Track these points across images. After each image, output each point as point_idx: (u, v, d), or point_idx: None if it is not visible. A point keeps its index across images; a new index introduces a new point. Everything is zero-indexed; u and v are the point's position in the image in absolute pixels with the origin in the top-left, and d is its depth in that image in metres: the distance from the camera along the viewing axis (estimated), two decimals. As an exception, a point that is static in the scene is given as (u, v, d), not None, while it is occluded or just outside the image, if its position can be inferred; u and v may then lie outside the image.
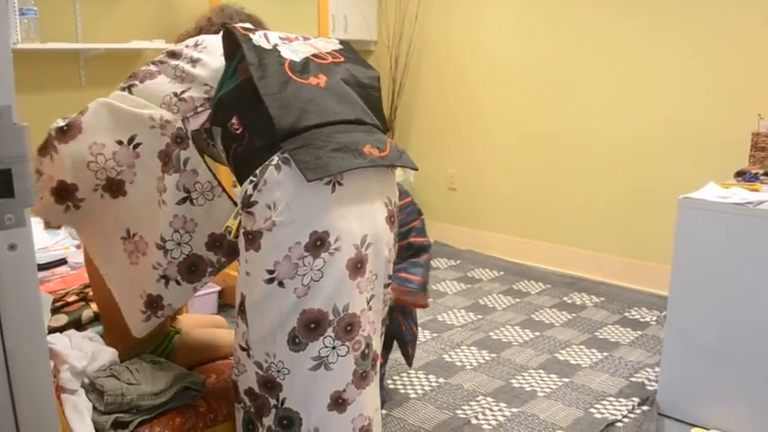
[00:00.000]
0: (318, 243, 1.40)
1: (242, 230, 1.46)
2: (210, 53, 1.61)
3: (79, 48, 3.34)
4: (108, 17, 3.52)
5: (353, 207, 1.45)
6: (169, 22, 3.76)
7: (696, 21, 3.40)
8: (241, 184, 1.48)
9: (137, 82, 1.60)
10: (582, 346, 3.02)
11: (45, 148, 1.59)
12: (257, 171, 1.42)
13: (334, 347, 1.45)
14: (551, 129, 4.04)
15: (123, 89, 1.60)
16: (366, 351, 1.51)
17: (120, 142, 1.55)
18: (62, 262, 2.46)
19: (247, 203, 1.42)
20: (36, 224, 2.67)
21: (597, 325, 3.26)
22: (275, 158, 1.41)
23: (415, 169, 1.59)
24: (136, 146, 1.56)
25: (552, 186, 4.09)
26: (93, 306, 1.98)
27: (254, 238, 1.42)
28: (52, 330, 1.84)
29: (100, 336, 1.85)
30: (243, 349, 1.50)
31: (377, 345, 1.57)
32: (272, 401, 1.48)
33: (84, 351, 1.66)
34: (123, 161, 1.56)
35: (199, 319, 2.19)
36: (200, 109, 1.56)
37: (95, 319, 1.97)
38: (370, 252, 1.48)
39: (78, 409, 1.54)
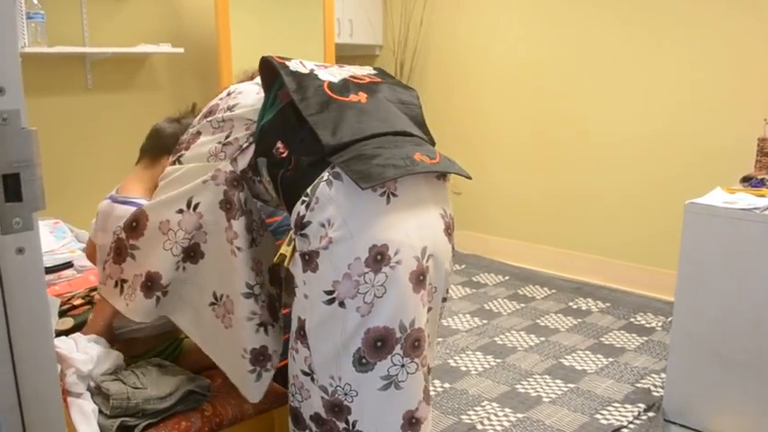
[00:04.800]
0: (379, 257, 1.35)
1: (297, 253, 1.42)
2: (245, 95, 1.63)
3: (86, 51, 3.35)
4: (114, 21, 3.54)
5: (411, 218, 1.41)
6: (175, 26, 3.77)
7: (703, 25, 3.40)
8: (290, 210, 1.45)
9: (183, 151, 1.62)
10: (587, 352, 3.01)
11: (120, 254, 1.61)
12: (308, 190, 1.39)
13: (403, 365, 1.40)
14: (557, 134, 4.04)
15: (173, 163, 1.62)
16: (430, 366, 1.48)
17: (180, 211, 1.55)
18: (68, 265, 2.46)
19: (300, 225, 1.38)
20: (41, 227, 2.68)
21: (603, 330, 3.26)
22: (325, 174, 1.38)
23: (468, 177, 1.54)
24: (195, 207, 1.55)
25: (558, 191, 4.09)
26: (99, 309, 1.98)
27: (310, 259, 1.38)
28: (58, 333, 1.84)
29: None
30: (306, 374, 1.45)
31: (431, 359, 1.54)
32: (341, 425, 1.42)
33: (90, 354, 1.66)
34: (190, 227, 1.55)
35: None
36: (245, 145, 1.56)
37: (101, 322, 1.97)
38: (430, 264, 1.44)
39: (84, 412, 1.54)
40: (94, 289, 2.11)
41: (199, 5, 3.85)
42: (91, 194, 3.49)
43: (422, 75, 4.67)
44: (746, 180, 2.59)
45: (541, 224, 4.21)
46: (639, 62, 3.64)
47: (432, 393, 2.58)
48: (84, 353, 1.67)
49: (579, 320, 3.38)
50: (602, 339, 3.15)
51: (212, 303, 1.59)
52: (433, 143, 1.60)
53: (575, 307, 3.57)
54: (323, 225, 1.35)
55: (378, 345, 1.37)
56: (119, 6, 3.54)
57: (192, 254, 1.57)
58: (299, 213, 1.39)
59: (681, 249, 2.31)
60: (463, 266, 4.27)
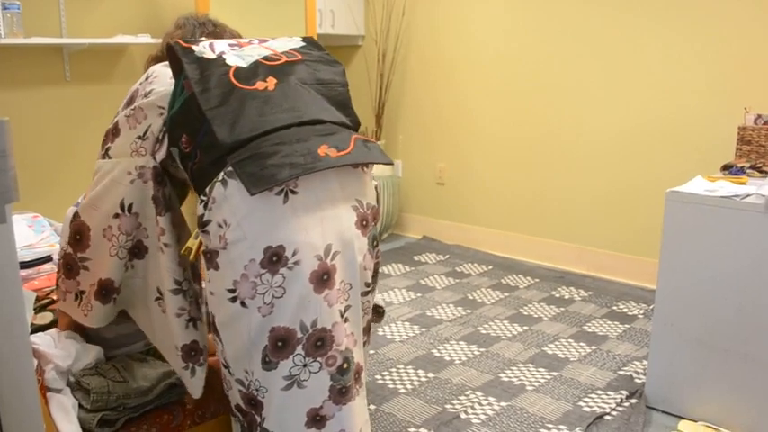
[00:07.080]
0: (275, 258, 1.33)
1: (202, 249, 1.42)
2: (160, 80, 1.56)
3: (63, 42, 3.30)
4: (92, 11, 3.49)
5: (312, 215, 1.37)
6: (154, 17, 3.73)
7: (682, 15, 3.41)
8: None
9: (109, 144, 1.56)
10: (570, 340, 3.03)
11: (72, 269, 1.59)
12: (206, 189, 1.37)
13: (305, 365, 1.39)
14: (539, 123, 4.05)
15: (103, 156, 1.57)
16: (345, 366, 1.43)
17: (117, 215, 1.52)
18: (47, 259, 2.43)
19: (201, 223, 1.38)
20: (19, 221, 2.64)
21: (585, 318, 3.28)
22: (221, 174, 1.35)
23: (389, 164, 1.49)
24: (129, 208, 1.52)
25: (541, 181, 4.10)
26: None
27: (211, 257, 1.38)
28: (37, 328, 1.82)
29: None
30: (225, 366, 1.46)
31: (359, 356, 1.50)
32: (258, 419, 1.43)
33: (69, 350, 1.64)
34: (130, 228, 1.53)
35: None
36: (160, 137, 1.51)
37: (81, 316, 1.94)
38: (337, 261, 1.40)
39: (64, 407, 1.52)
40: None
41: (178, -5, 3.81)
42: (70, 188, 3.45)
43: (404, 65, 4.66)
44: (727, 168, 2.61)
45: (524, 214, 4.22)
46: (621, 51, 3.65)
47: (415, 383, 2.60)
48: (64, 348, 1.65)
49: (562, 309, 3.40)
50: (584, 327, 3.17)
51: (157, 298, 1.57)
52: (357, 124, 1.55)
53: (557, 296, 3.59)
54: (220, 225, 1.34)
55: (279, 345, 1.37)
56: (96, -4, 3.50)
57: (136, 251, 1.56)
58: (198, 212, 1.38)
59: (662, 237, 2.33)
60: (447, 257, 4.28)
